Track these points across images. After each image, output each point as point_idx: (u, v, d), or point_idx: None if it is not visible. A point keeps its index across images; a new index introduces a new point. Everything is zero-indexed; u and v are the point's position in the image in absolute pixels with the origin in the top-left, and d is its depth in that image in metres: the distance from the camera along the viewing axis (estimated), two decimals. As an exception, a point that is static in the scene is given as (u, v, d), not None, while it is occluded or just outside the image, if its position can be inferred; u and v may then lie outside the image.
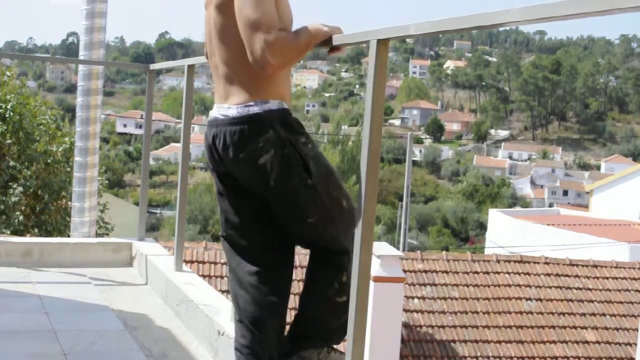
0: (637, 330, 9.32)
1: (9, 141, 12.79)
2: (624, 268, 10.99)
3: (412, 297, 9.62)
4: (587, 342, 9.63)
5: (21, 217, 12.95)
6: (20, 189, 13.07)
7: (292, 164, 2.22)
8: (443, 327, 9.39)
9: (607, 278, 10.67)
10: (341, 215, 2.29)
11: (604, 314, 10.08)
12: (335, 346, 2.43)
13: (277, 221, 2.34)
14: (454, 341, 9.27)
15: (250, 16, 2.12)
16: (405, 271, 9.35)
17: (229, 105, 2.27)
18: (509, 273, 10.30)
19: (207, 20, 2.38)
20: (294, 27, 2.26)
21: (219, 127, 2.28)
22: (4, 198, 12.95)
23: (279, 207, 2.30)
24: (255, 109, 2.22)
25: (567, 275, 10.55)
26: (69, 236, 5.53)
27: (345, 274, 2.31)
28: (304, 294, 2.43)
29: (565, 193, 66.69)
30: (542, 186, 69.78)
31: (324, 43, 2.23)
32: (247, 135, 2.22)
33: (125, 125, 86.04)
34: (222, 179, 2.37)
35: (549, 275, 10.45)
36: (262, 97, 2.24)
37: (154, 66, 4.72)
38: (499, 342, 9.39)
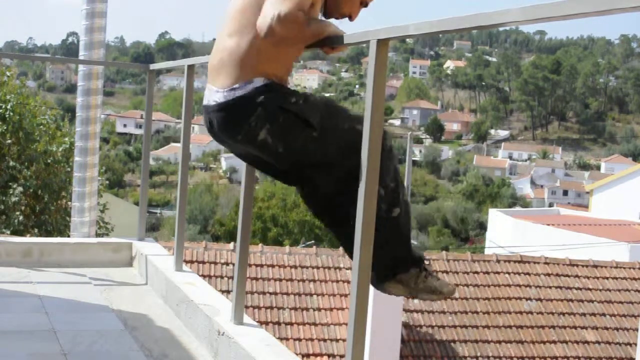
0: (637, 330, 9.32)
1: (9, 141, 12.79)
2: (624, 268, 10.99)
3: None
4: (587, 342, 9.63)
5: (21, 217, 12.96)
6: (20, 189, 13.07)
7: (291, 128, 2.26)
8: (443, 327, 9.39)
9: (607, 278, 10.67)
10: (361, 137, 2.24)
11: (604, 314, 10.07)
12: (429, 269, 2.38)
13: (305, 180, 2.39)
14: (454, 341, 9.27)
15: None
16: (405, 271, 9.35)
17: (217, 89, 2.33)
18: (509, 273, 10.30)
19: None
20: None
21: (211, 113, 2.36)
22: (4, 198, 12.95)
23: (291, 165, 2.35)
24: (239, 92, 2.27)
25: (567, 275, 10.55)
26: (69, 236, 5.53)
27: (384, 185, 2.26)
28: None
29: (565, 193, 66.68)
30: (542, 186, 69.76)
31: (322, 43, 2.24)
32: (237, 119, 2.29)
33: (125, 125, 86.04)
34: (240, 158, 2.51)
35: (549, 275, 10.44)
36: (247, 78, 2.27)
37: (154, 66, 4.71)
38: (499, 342, 9.38)
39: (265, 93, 2.26)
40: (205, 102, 2.41)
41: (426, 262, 2.40)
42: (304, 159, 2.31)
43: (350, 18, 2.47)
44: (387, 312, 8.46)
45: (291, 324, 8.94)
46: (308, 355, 8.66)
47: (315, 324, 9.01)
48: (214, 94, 2.34)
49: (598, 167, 77.00)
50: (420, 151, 77.64)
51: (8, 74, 13.77)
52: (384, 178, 2.25)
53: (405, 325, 9.20)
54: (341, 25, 2.33)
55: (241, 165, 2.90)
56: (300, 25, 2.18)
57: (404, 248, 2.34)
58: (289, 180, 2.49)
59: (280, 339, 8.34)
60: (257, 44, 2.25)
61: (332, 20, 2.45)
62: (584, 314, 10.00)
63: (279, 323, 8.90)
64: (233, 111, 2.29)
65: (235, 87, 2.28)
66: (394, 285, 2.35)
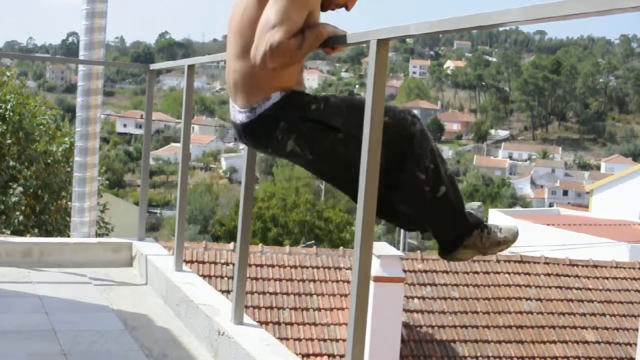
0: (637, 330, 9.32)
1: (9, 141, 12.79)
2: (624, 268, 10.99)
3: (412, 297, 9.62)
4: (587, 342, 9.63)
5: (21, 217, 12.95)
6: (20, 189, 13.07)
7: (316, 134, 2.29)
8: (443, 327, 9.39)
9: (607, 278, 10.67)
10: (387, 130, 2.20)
11: (604, 314, 10.07)
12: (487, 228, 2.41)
13: (339, 175, 2.41)
14: (454, 341, 9.27)
15: (271, 18, 2.19)
16: (405, 271, 9.36)
17: (239, 109, 2.39)
18: (509, 273, 10.30)
19: (236, 11, 2.39)
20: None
21: (239, 131, 2.45)
22: (4, 198, 12.95)
23: (328, 168, 2.41)
24: (260, 110, 2.32)
25: (567, 275, 10.55)
26: (69, 236, 5.53)
27: (424, 169, 2.27)
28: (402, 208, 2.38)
29: (565, 193, 66.68)
30: (542, 186, 69.76)
31: (322, 44, 2.24)
32: (263, 135, 2.35)
33: (125, 125, 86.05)
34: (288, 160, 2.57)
35: (549, 275, 10.44)
36: (264, 95, 2.31)
37: (154, 66, 4.72)
38: (499, 342, 9.38)
39: (284, 106, 2.30)
40: (232, 119, 2.48)
41: (484, 220, 2.45)
42: (334, 158, 2.34)
43: (347, 8, 2.46)
44: (387, 312, 8.46)
45: (291, 324, 8.94)
46: (308, 355, 8.66)
47: (315, 324, 9.01)
48: (238, 114, 2.41)
49: (598, 167, 77.00)
50: (420, 151, 77.54)
51: (8, 74, 13.77)
52: (422, 162, 2.27)
53: (405, 325, 9.20)
54: (342, 24, 2.32)
55: (241, 165, 2.90)
56: (292, 52, 2.19)
57: (461, 217, 2.37)
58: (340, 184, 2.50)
59: (280, 339, 8.34)
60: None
61: (330, 13, 2.44)
62: (584, 314, 10.00)
63: (279, 323, 8.91)
64: (258, 129, 2.35)
65: (254, 106, 2.33)
66: (463, 251, 2.40)
